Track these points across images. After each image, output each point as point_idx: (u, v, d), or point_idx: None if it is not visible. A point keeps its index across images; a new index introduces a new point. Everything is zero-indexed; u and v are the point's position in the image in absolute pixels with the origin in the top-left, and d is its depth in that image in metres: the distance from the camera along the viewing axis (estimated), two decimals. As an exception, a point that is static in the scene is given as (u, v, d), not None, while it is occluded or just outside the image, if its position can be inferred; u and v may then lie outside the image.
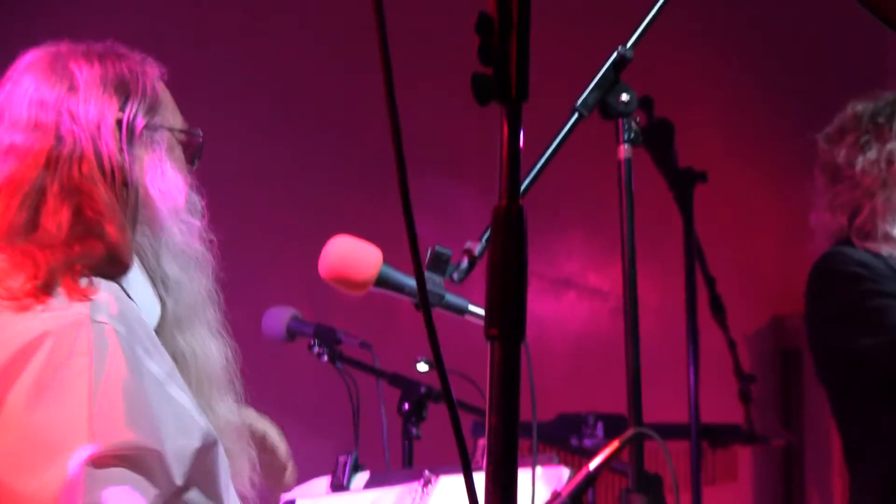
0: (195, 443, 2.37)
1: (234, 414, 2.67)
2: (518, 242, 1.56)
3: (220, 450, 2.46)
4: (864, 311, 3.72)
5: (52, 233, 2.42)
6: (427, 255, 3.08)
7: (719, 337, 5.77)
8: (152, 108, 2.58)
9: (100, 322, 2.33)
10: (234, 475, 2.62)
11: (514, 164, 1.55)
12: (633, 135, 3.10)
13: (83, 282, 2.38)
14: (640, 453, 3.02)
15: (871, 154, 3.86)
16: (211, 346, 2.63)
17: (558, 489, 2.79)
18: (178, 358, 2.54)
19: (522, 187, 2.96)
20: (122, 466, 2.25)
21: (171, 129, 2.63)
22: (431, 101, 5.69)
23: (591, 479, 2.79)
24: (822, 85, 6.91)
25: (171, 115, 2.64)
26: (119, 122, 2.51)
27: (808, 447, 8.27)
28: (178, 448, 2.33)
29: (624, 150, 3.10)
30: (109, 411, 2.27)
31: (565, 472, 3.21)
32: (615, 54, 3.09)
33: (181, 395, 2.41)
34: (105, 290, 2.39)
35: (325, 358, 4.62)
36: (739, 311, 6.16)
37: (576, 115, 3.05)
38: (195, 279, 2.60)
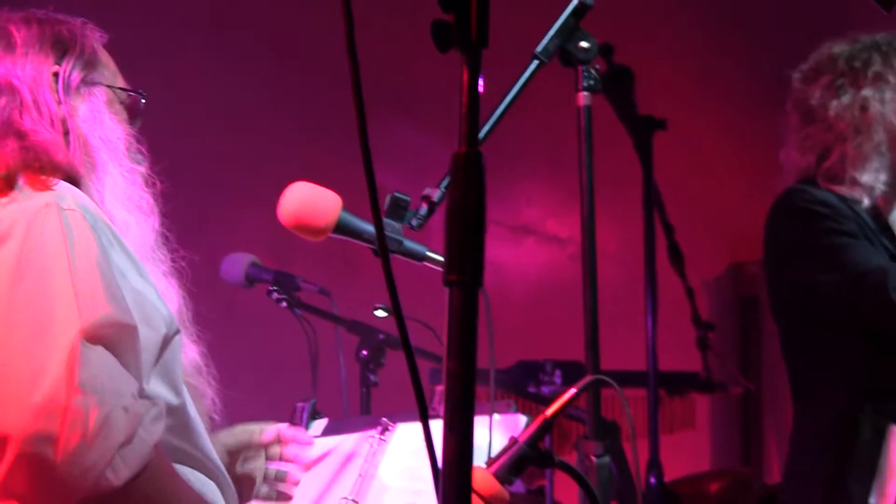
0: (159, 332, 2.45)
1: (193, 352, 2.72)
2: (477, 189, 1.56)
3: (179, 342, 2.55)
4: (822, 248, 3.74)
5: (4, 151, 2.52)
6: (386, 202, 3.08)
7: (678, 284, 5.81)
8: (89, 65, 2.69)
9: (69, 209, 2.41)
10: (199, 408, 2.68)
11: (474, 111, 1.55)
12: (592, 82, 3.11)
13: (50, 179, 2.47)
14: (598, 401, 3.04)
15: (846, 99, 3.86)
16: (163, 287, 2.68)
17: (515, 436, 2.80)
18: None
19: (482, 134, 2.97)
20: (109, 344, 2.30)
21: (109, 86, 2.73)
22: (393, 48, 5.68)
23: (548, 425, 2.80)
24: (784, 33, 6.93)
25: (111, 75, 2.75)
26: (55, 75, 2.63)
27: (765, 395, 8.33)
28: (144, 335, 2.39)
29: (583, 98, 3.11)
30: (91, 288, 2.32)
31: (522, 418, 3.23)
32: (575, 1, 3.09)
33: (143, 284, 2.49)
34: (69, 187, 2.49)
35: (284, 304, 4.63)
36: (698, 258, 6.21)
37: (536, 62, 3.05)
38: (142, 222, 2.67)
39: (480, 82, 1.57)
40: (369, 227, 2.97)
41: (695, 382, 6.67)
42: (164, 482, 2.35)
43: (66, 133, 2.57)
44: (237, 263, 4.51)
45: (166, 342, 2.47)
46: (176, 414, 2.49)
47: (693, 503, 6.31)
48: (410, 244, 3.08)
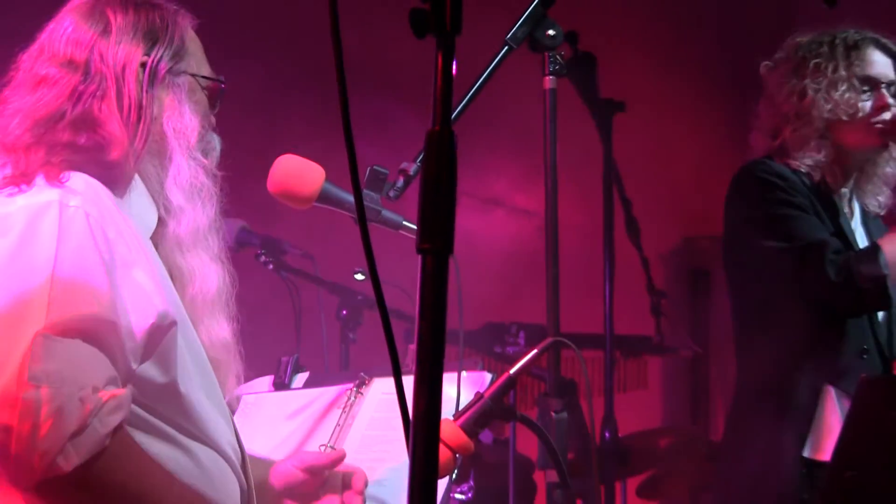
0: (148, 321, 2.41)
1: (225, 331, 2.71)
2: (448, 164, 1.56)
3: (181, 335, 2.52)
4: (773, 217, 3.75)
5: (55, 140, 2.50)
6: (366, 174, 3.09)
7: (634, 255, 5.81)
8: (177, 55, 2.65)
9: (71, 206, 2.39)
10: (222, 385, 2.69)
11: (447, 92, 1.56)
12: (557, 67, 3.11)
13: (63, 174, 2.44)
14: (558, 361, 3.05)
15: (791, 85, 3.88)
16: (210, 270, 2.68)
17: (481, 391, 2.81)
18: (174, 273, 2.61)
19: (455, 113, 2.97)
20: (81, 338, 2.29)
21: (193, 75, 2.70)
22: (375, 31, 5.66)
23: (512, 382, 2.81)
24: (735, 24, 6.93)
25: (196, 63, 2.72)
26: (143, 65, 2.59)
27: (712, 358, 8.35)
28: (132, 324, 2.38)
29: (549, 81, 3.11)
30: (71, 286, 2.31)
31: (488, 376, 3.24)
32: (543, -8, 3.10)
33: (144, 279, 2.45)
34: (83, 180, 2.46)
35: (271, 267, 4.63)
36: (653, 232, 6.20)
37: (506, 48, 3.06)
38: (198, 209, 2.66)
39: (453, 66, 1.57)
40: (350, 198, 2.98)
41: (648, 345, 6.67)
42: (125, 469, 2.32)
43: (139, 122, 2.54)
44: (229, 228, 4.50)
45: (159, 331, 2.43)
46: (165, 391, 2.47)
47: (644, 457, 6.33)
48: (388, 214, 3.08)
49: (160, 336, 2.45)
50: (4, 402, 2.20)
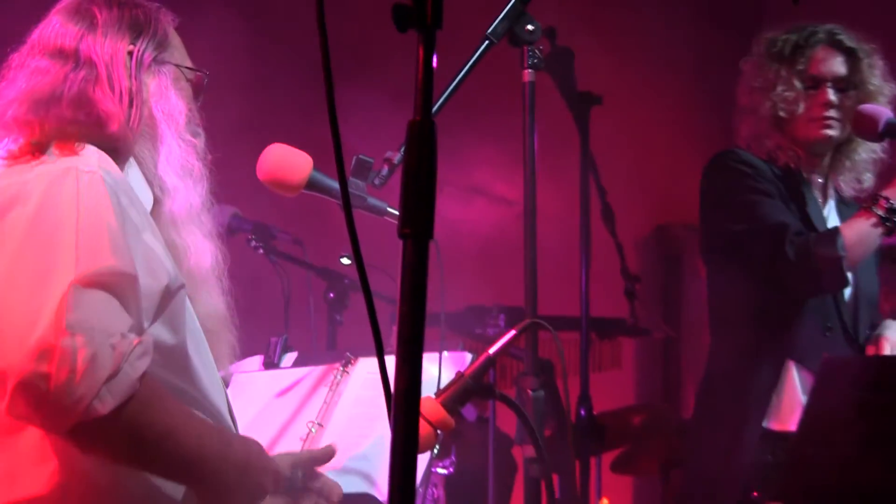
0: (161, 283, 2.46)
1: (220, 303, 2.75)
2: (429, 153, 1.56)
3: (184, 295, 2.57)
4: (740, 202, 3.77)
5: (56, 116, 2.54)
6: (352, 163, 3.09)
7: (609, 242, 5.82)
8: (161, 46, 2.71)
9: (88, 171, 2.43)
10: (215, 356, 2.71)
11: (428, 84, 1.56)
12: (536, 61, 3.11)
13: (77, 145, 2.50)
14: (535, 342, 3.06)
15: (748, 81, 3.93)
16: (203, 246, 2.72)
17: (462, 370, 2.82)
18: (170, 249, 2.63)
19: (437, 105, 2.98)
20: (104, 290, 2.32)
21: (177, 66, 2.74)
22: (362, 25, 5.65)
23: (491, 362, 2.82)
24: (704, 20, 6.93)
25: (179, 55, 2.77)
26: (130, 54, 2.64)
27: (684, 340, 8.36)
28: (146, 284, 2.41)
29: (528, 74, 3.11)
30: (94, 242, 2.34)
31: (468, 356, 3.25)
32: (522, -11, 3.10)
33: (154, 242, 2.51)
34: (95, 151, 2.51)
35: (262, 251, 4.63)
36: (628, 219, 6.21)
37: (486, 42, 3.06)
38: (190, 188, 2.70)
39: (434, 59, 1.57)
40: (336, 185, 2.98)
41: (622, 327, 6.68)
42: (155, 409, 2.35)
43: (131, 106, 2.59)
44: (221, 214, 4.50)
45: (169, 293, 2.48)
46: (174, 354, 2.50)
47: (617, 434, 6.34)
48: (373, 201, 3.09)
49: (170, 297, 2.49)
50: (43, 350, 2.22)
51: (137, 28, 2.67)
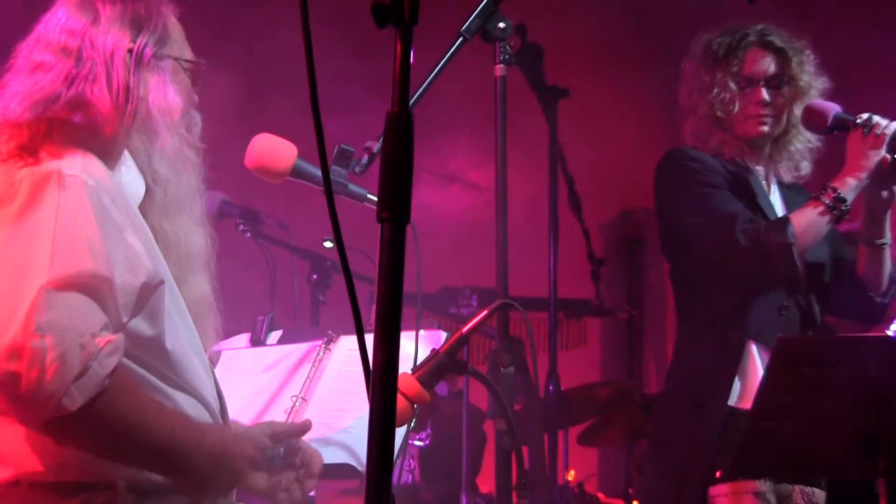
0: (139, 280, 2.44)
1: (206, 288, 2.74)
2: (406, 142, 1.56)
3: (167, 293, 2.54)
4: (692, 196, 3.78)
5: (51, 118, 2.51)
6: (334, 152, 3.08)
7: (575, 226, 5.82)
8: (161, 41, 2.66)
9: (70, 175, 2.41)
10: (202, 337, 2.70)
11: (405, 77, 1.55)
12: (507, 56, 3.12)
13: (64, 149, 2.47)
14: (506, 321, 3.06)
15: (688, 83, 3.94)
16: (193, 233, 2.71)
17: (437, 348, 2.82)
18: (160, 236, 2.62)
19: (414, 98, 2.97)
20: (79, 291, 2.31)
21: (176, 59, 2.70)
22: (344, 18, 5.64)
23: (464, 340, 2.82)
24: (664, 17, 6.93)
25: (178, 48, 2.72)
26: (130, 51, 2.59)
27: (646, 319, 8.38)
28: (125, 282, 2.40)
29: (500, 69, 3.12)
30: (71, 246, 2.33)
31: (443, 334, 3.24)
32: (494, -12, 3.09)
33: (135, 241, 2.48)
34: (81, 154, 2.49)
35: (249, 235, 4.62)
36: (593, 205, 6.20)
37: (460, 39, 3.06)
38: (183, 179, 2.68)
39: (411, 53, 1.57)
40: (319, 173, 2.97)
41: (588, 308, 6.68)
42: (123, 404, 2.35)
43: (128, 103, 2.55)
44: (211, 200, 4.49)
45: (148, 289, 2.46)
46: (153, 344, 2.49)
47: (584, 408, 6.35)
48: (353, 187, 3.08)
49: (149, 293, 2.47)
50: (14, 350, 2.23)
51: (139, 24, 2.63)
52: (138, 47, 2.61)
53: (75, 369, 2.24)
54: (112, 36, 2.59)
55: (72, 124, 2.51)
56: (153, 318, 2.49)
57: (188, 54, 2.75)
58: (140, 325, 2.46)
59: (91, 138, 2.52)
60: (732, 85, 3.85)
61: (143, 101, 2.60)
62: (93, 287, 2.33)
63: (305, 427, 2.84)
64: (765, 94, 3.86)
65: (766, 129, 3.86)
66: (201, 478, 2.47)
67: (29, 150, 2.46)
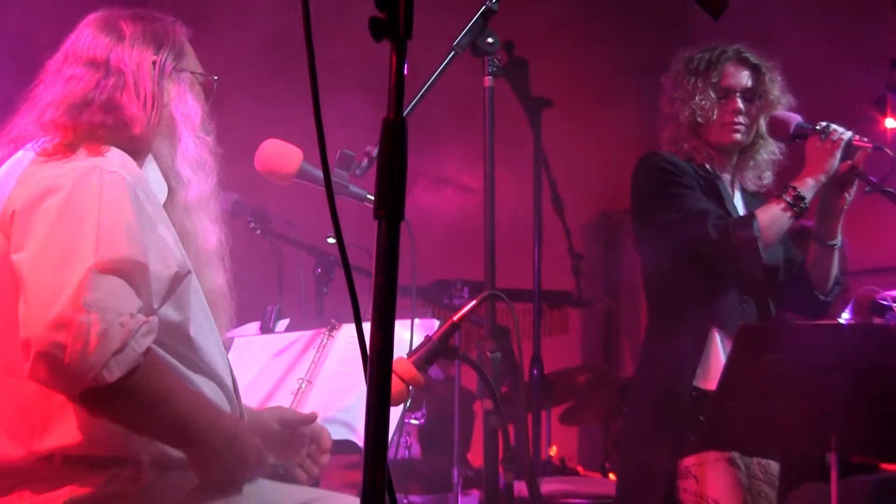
0: (171, 270, 2.46)
1: (222, 280, 2.74)
2: (400, 146, 1.56)
3: (194, 283, 2.57)
4: (668, 195, 3.78)
5: (88, 120, 2.54)
6: (336, 156, 3.08)
7: (558, 225, 5.84)
8: (178, 56, 2.70)
9: (110, 171, 2.44)
10: (217, 323, 2.70)
11: (400, 87, 1.55)
12: (495, 69, 3.11)
13: (102, 147, 2.50)
14: (493, 310, 3.05)
15: (669, 93, 3.95)
16: (210, 231, 2.71)
17: (430, 335, 2.81)
18: (181, 232, 2.63)
19: (410, 106, 2.97)
20: (118, 275, 2.32)
21: (192, 73, 2.73)
22: (346, 36, 5.63)
23: (455, 328, 2.82)
24: (640, 34, 6.94)
25: (193, 64, 2.76)
26: (154, 63, 2.63)
27: (622, 309, 8.38)
28: (157, 270, 2.41)
29: (488, 81, 3.11)
30: (112, 234, 2.35)
31: (436, 322, 3.25)
32: (483, 7, 3.09)
33: (166, 233, 2.51)
34: (118, 153, 2.51)
35: (259, 232, 4.62)
36: (574, 206, 6.23)
37: (452, 53, 3.06)
38: (202, 180, 2.70)
39: (405, 65, 1.56)
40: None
41: (569, 299, 6.71)
42: (155, 381, 2.36)
43: (153, 109, 2.59)
44: (225, 200, 4.48)
45: (178, 278, 2.48)
46: (180, 329, 2.51)
47: (565, 390, 6.35)
48: (354, 188, 3.08)
49: (178, 282, 2.49)
50: (62, 323, 2.23)
51: (159, 40, 2.67)
52: (160, 60, 2.64)
53: (115, 344, 2.25)
54: (137, 51, 2.62)
55: (105, 125, 2.53)
56: (180, 306, 2.51)
57: (200, 69, 2.77)
58: (169, 311, 2.47)
59: (123, 138, 2.54)
60: (712, 94, 3.87)
61: (166, 107, 2.64)
62: (130, 272, 2.35)
63: (312, 418, 2.85)
64: (740, 104, 3.87)
65: (739, 136, 3.87)
66: (212, 453, 2.47)
67: (72, 147, 2.48)
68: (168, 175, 2.66)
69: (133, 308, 2.32)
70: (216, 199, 2.76)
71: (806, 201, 3.71)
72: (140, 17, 2.68)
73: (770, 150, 3.95)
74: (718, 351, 3.71)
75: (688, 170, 3.82)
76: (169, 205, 2.64)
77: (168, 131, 2.65)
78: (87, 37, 2.64)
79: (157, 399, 2.37)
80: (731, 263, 3.71)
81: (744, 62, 3.93)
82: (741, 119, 3.87)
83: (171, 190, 2.66)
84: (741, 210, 3.90)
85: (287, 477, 2.84)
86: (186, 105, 2.68)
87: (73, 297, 2.25)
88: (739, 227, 3.66)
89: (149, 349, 2.33)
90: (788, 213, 3.70)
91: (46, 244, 2.35)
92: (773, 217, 3.69)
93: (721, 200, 3.82)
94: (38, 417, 2.41)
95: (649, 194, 3.85)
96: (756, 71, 3.93)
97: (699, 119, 3.87)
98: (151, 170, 2.63)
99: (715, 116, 3.86)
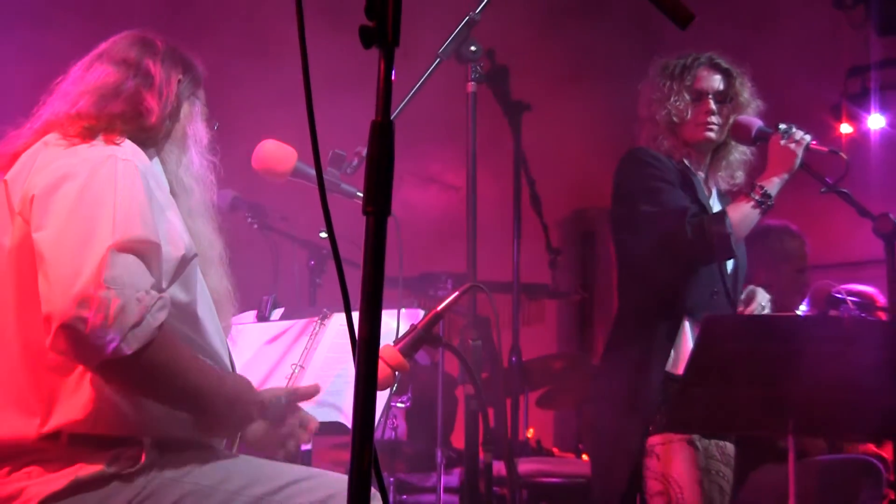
0: (179, 252, 2.47)
1: (225, 282, 2.76)
2: (387, 147, 1.56)
3: (198, 269, 2.58)
4: (648, 188, 3.79)
5: (112, 110, 2.58)
6: (329, 155, 3.08)
7: (536, 221, 5.82)
8: (198, 85, 2.77)
9: (124, 159, 2.46)
10: (221, 318, 2.70)
11: (387, 92, 1.55)
12: (478, 75, 3.12)
13: (118, 138, 2.53)
14: (475, 301, 3.06)
15: (647, 96, 3.96)
16: (214, 237, 2.74)
17: (415, 323, 2.82)
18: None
19: (399, 109, 2.97)
20: (134, 254, 2.34)
21: (203, 105, 2.79)
22: (336, 42, 5.62)
23: (439, 317, 2.82)
24: (611, 47, 6.94)
25: (204, 97, 2.82)
26: (179, 81, 2.69)
27: (595, 300, 8.41)
28: (167, 252, 2.43)
29: (471, 86, 3.12)
30: (128, 216, 2.36)
31: (421, 312, 3.24)
32: (467, 17, 3.10)
33: (174, 218, 2.52)
34: (132, 144, 2.54)
35: (256, 226, 4.61)
36: (551, 203, 6.21)
37: (438, 60, 3.06)
38: (201, 190, 2.73)
39: (393, 71, 1.56)
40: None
41: (546, 291, 6.70)
42: (168, 352, 2.36)
43: (170, 108, 2.64)
44: (224, 196, 4.48)
45: (185, 260, 2.49)
46: (187, 310, 2.52)
47: (542, 376, 6.37)
48: (345, 186, 3.08)
49: (185, 264, 2.49)
50: (84, 298, 2.24)
51: (186, 65, 2.73)
52: (184, 80, 2.71)
53: (133, 318, 2.26)
54: (167, 65, 2.68)
55: (126, 117, 2.57)
56: (188, 287, 2.51)
57: (207, 110, 2.82)
58: (177, 292, 2.48)
59: (138, 129, 2.58)
60: (686, 96, 3.89)
61: (180, 121, 2.69)
62: (145, 251, 2.36)
63: (313, 391, 2.85)
64: (712, 105, 3.90)
65: (712, 135, 3.90)
66: (217, 416, 2.51)
67: (91, 134, 2.51)
68: (172, 181, 2.67)
69: (148, 285, 2.33)
70: (212, 211, 2.77)
71: (772, 198, 3.74)
72: (173, 45, 2.75)
73: (741, 151, 3.98)
74: (688, 339, 3.72)
75: (669, 165, 3.85)
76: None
77: (178, 142, 2.68)
78: (123, 44, 2.70)
79: (169, 371, 2.38)
80: (705, 258, 3.73)
81: (716, 67, 3.96)
82: (714, 119, 3.90)
83: (174, 195, 2.67)
84: (716, 206, 3.92)
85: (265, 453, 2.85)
86: (196, 126, 2.73)
87: (94, 275, 2.26)
88: (713, 223, 3.68)
89: (163, 323, 2.34)
90: (757, 210, 3.74)
91: (67, 225, 2.35)
92: (743, 214, 3.72)
93: (696, 195, 3.84)
94: (49, 396, 2.41)
95: (632, 186, 3.86)
96: (727, 75, 3.95)
97: (675, 119, 3.89)
98: (157, 170, 2.65)
99: (690, 116, 3.89)
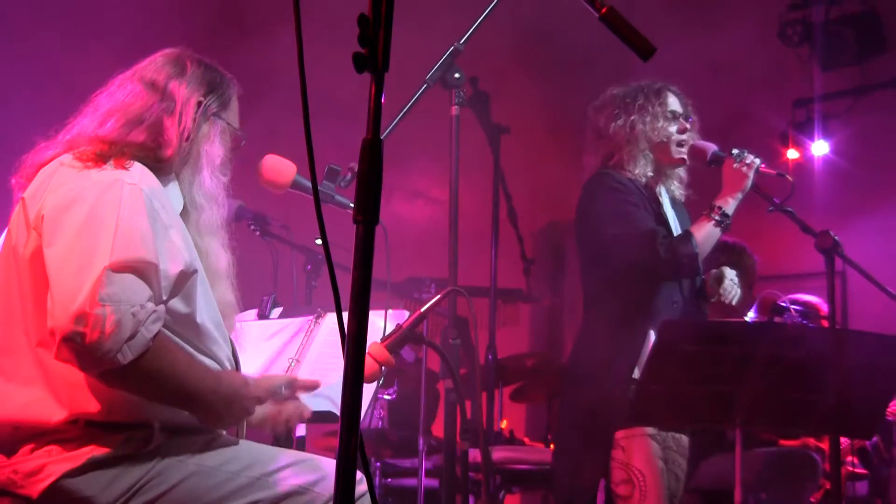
0: (178, 268, 2.43)
1: (231, 296, 2.72)
2: (377, 162, 1.56)
3: (200, 281, 2.54)
4: (614, 212, 3.77)
5: (132, 138, 2.55)
6: (324, 170, 3.08)
7: (512, 233, 5.84)
8: (222, 106, 2.70)
9: (131, 183, 2.43)
10: (227, 328, 2.68)
11: (377, 112, 1.55)
12: (461, 100, 3.11)
13: (128, 162, 2.49)
14: (455, 304, 3.06)
15: (620, 122, 3.91)
16: (221, 253, 2.70)
17: (401, 323, 2.81)
18: (196, 249, 2.61)
19: (389, 129, 2.97)
20: (132, 273, 2.32)
21: (228, 124, 2.72)
22: (332, 68, 5.62)
23: (422, 317, 2.82)
24: (581, 76, 6.95)
25: (232, 117, 2.74)
26: (199, 103, 2.64)
27: (566, 306, 8.41)
28: (167, 269, 2.40)
29: (455, 110, 3.11)
30: (128, 238, 2.34)
31: (406, 313, 3.24)
32: (452, 47, 3.10)
33: (177, 237, 2.48)
34: (140, 168, 2.50)
35: (258, 233, 4.60)
36: (527, 216, 6.23)
37: (424, 85, 3.06)
38: (213, 210, 2.68)
39: (382, 94, 1.56)
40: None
41: (520, 296, 6.71)
42: (165, 360, 2.36)
43: (186, 140, 2.59)
44: (229, 206, 4.44)
45: (184, 276, 2.46)
46: (187, 320, 2.50)
47: (516, 373, 6.36)
48: (339, 198, 3.08)
49: (185, 279, 2.46)
50: (80, 315, 2.23)
51: (212, 87, 2.67)
52: (206, 102, 2.65)
53: (128, 332, 2.25)
54: (191, 87, 2.64)
55: (145, 146, 2.54)
56: (188, 300, 2.49)
57: (237, 125, 2.77)
58: (178, 304, 2.46)
59: (152, 157, 2.54)
60: (662, 118, 3.87)
61: (196, 142, 2.64)
62: (142, 270, 2.33)
63: (313, 385, 2.84)
64: (687, 125, 3.90)
65: (685, 156, 3.90)
66: (216, 414, 2.50)
67: (103, 159, 2.48)
68: (185, 197, 2.65)
69: (143, 300, 2.31)
70: (224, 229, 2.74)
71: (730, 217, 3.76)
72: (204, 64, 2.70)
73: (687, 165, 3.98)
74: (650, 343, 3.71)
75: (632, 188, 3.81)
76: (185, 221, 2.63)
77: (193, 161, 2.64)
78: (157, 62, 2.66)
79: (165, 375, 2.37)
80: (674, 275, 3.75)
81: (675, 93, 3.96)
82: (687, 137, 3.90)
83: (187, 210, 2.65)
84: (672, 218, 3.91)
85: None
86: (212, 146, 2.67)
87: (90, 294, 2.25)
88: (682, 244, 3.70)
89: (158, 333, 2.33)
90: (718, 229, 3.75)
91: (71, 248, 2.34)
92: (706, 233, 3.73)
93: (659, 211, 3.83)
94: (67, 390, 2.40)
95: (599, 210, 3.82)
96: (682, 99, 3.97)
97: (662, 139, 3.86)
98: (173, 187, 2.63)
99: (668, 137, 3.87)
